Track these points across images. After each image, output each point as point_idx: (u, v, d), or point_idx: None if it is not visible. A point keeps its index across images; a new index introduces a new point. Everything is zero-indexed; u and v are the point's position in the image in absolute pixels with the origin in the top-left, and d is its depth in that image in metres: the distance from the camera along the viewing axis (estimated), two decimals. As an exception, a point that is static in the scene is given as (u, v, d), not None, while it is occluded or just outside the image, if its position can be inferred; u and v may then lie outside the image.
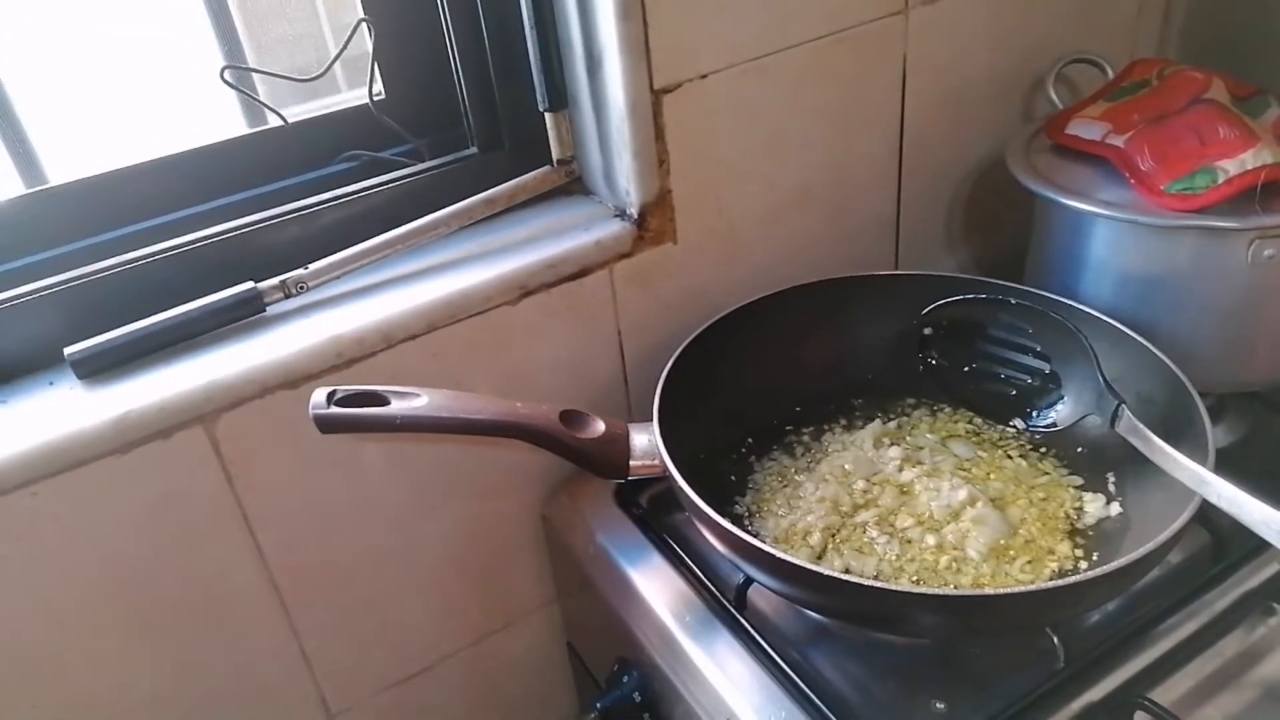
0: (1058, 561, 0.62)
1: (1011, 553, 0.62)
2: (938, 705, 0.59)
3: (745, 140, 0.78)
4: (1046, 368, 0.70)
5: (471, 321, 0.71)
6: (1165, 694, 0.57)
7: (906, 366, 0.78)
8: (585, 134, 0.76)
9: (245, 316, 0.68)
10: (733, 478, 0.73)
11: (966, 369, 0.74)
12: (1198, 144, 0.68)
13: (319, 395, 0.60)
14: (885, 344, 0.79)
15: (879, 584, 0.53)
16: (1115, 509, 0.65)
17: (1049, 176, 0.75)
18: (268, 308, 0.68)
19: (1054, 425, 0.70)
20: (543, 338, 0.76)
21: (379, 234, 0.71)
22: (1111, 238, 0.72)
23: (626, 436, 0.65)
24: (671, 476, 0.62)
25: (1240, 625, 0.60)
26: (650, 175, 0.74)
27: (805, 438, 0.76)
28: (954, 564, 0.62)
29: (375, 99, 0.78)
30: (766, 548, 0.54)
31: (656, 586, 0.69)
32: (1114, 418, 0.64)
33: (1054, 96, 0.85)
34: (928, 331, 0.74)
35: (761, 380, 0.77)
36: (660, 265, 0.78)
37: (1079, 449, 0.71)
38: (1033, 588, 0.50)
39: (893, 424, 0.76)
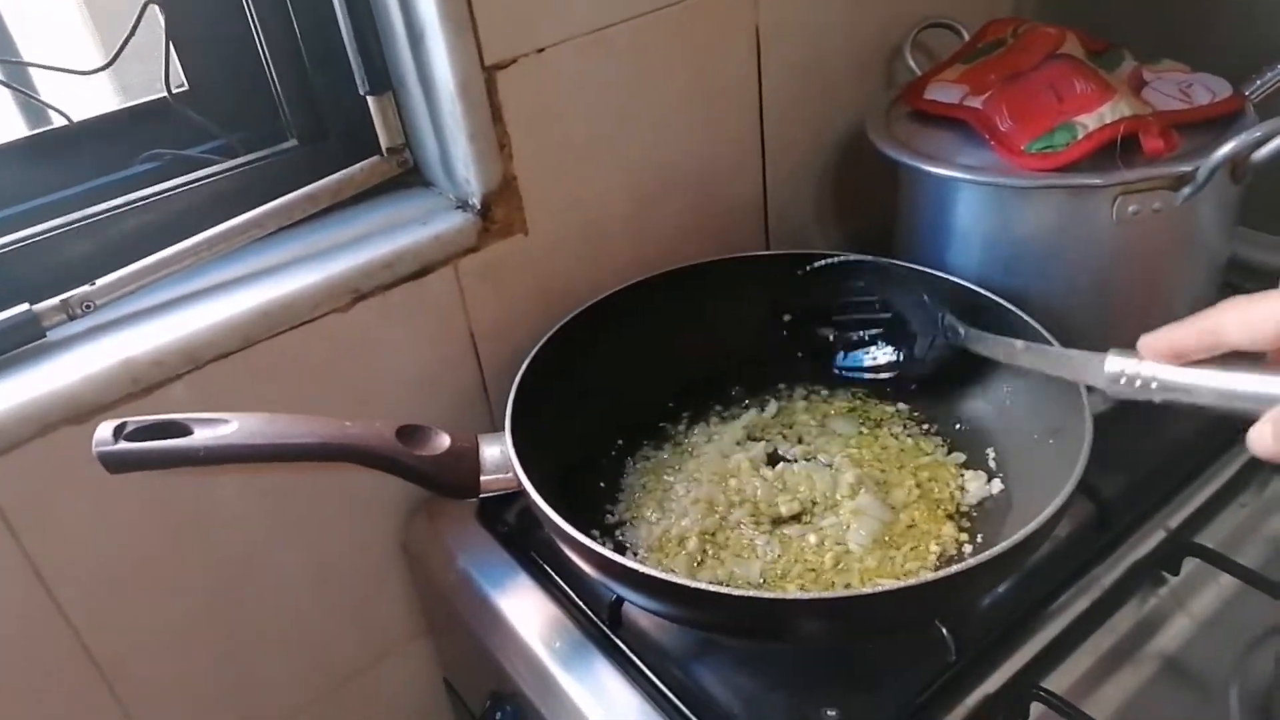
0: (941, 545, 0.59)
1: (895, 540, 0.58)
2: (829, 713, 0.54)
3: (594, 120, 0.72)
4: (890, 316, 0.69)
5: (296, 333, 0.63)
6: (1062, 678, 0.54)
7: (782, 349, 0.74)
8: (416, 118, 0.69)
9: (20, 344, 0.58)
10: (603, 484, 0.67)
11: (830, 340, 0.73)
12: (1055, 100, 0.66)
13: (104, 430, 0.51)
14: (757, 327, 0.75)
15: (754, 594, 0.48)
16: (997, 486, 0.62)
17: (909, 143, 0.71)
18: (48, 332, 0.59)
19: (900, 363, 0.69)
20: (384, 347, 0.68)
21: (183, 241, 0.63)
22: (975, 203, 0.69)
23: (476, 450, 0.58)
24: (524, 490, 0.55)
25: (1132, 598, 0.57)
26: (491, 161, 0.68)
27: (679, 433, 0.71)
28: (838, 560, 0.58)
29: (176, 90, 0.69)
30: (627, 562, 0.49)
31: (525, 611, 0.63)
32: (954, 335, 0.63)
33: (911, 63, 0.82)
34: (788, 318, 0.74)
35: (629, 376, 0.71)
36: (512, 260, 0.72)
37: (958, 424, 0.68)
38: (913, 582, 0.46)
39: (770, 410, 0.71)
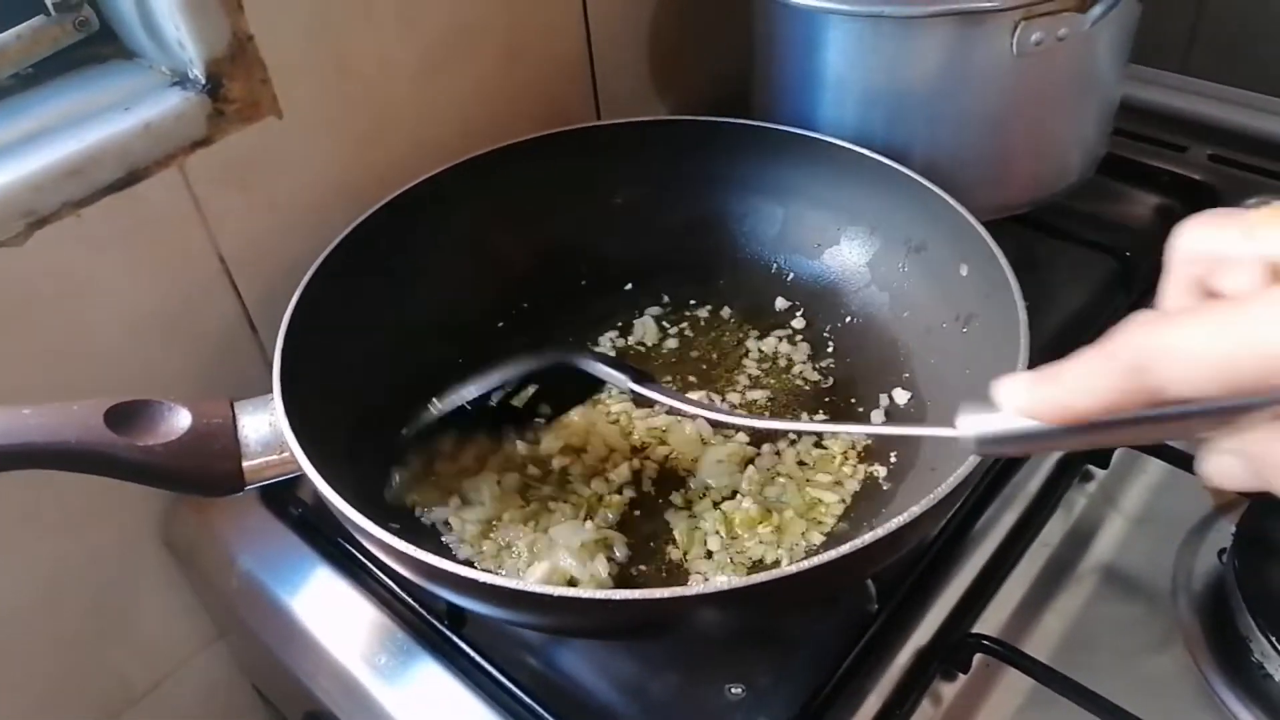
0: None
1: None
2: (733, 690, 0.44)
3: (355, -45, 0.53)
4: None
5: (-57, 282, 0.44)
6: (996, 613, 0.45)
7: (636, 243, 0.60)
8: (93, -43, 0.49)
9: None
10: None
11: None
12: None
13: None
14: (599, 219, 0.61)
15: (634, 594, 0.35)
16: (902, 396, 0.52)
17: (765, -30, 0.57)
18: None
19: None
20: (91, 289, 0.50)
21: None
22: (850, 43, 0.56)
23: (232, 425, 0.42)
24: (305, 473, 0.40)
25: (1060, 505, 0.49)
26: (211, 13, 0.49)
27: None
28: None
29: None
30: (456, 569, 0.35)
31: (334, 618, 0.48)
32: None
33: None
34: None
35: (443, 297, 0.56)
36: (263, 152, 0.54)
37: (848, 318, 0.57)
38: (834, 554, 0.34)
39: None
